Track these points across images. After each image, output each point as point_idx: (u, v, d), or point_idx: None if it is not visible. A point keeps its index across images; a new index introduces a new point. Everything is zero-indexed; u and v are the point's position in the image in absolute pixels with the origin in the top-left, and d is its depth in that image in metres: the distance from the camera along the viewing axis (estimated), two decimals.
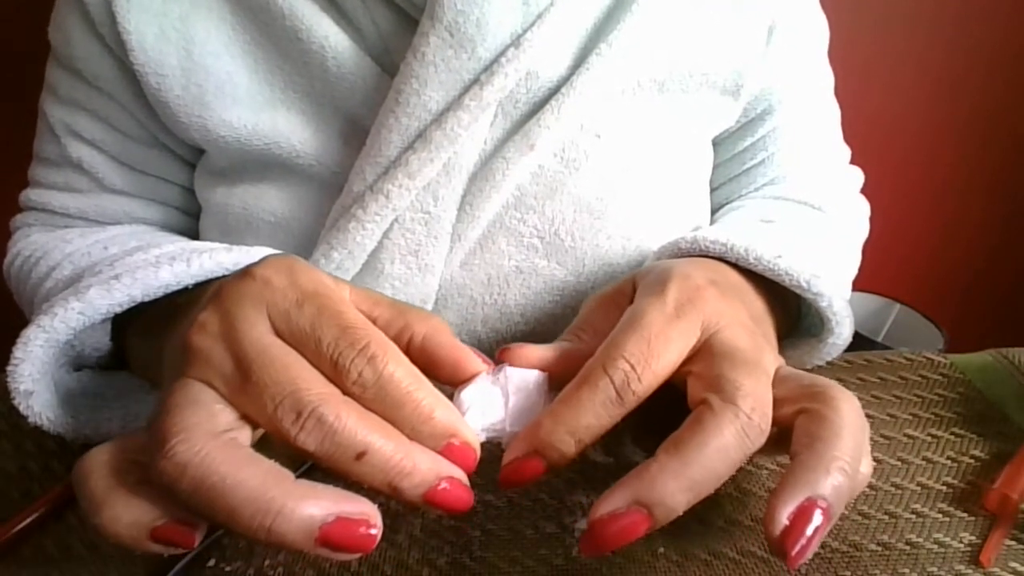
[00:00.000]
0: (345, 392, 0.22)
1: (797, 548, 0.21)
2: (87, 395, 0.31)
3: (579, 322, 0.30)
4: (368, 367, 0.22)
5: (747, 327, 0.27)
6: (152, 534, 0.21)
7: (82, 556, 0.28)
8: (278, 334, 0.23)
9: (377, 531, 0.21)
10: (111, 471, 0.22)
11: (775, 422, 0.24)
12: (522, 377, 0.27)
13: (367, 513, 0.20)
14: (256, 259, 0.30)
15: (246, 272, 0.24)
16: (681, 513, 0.22)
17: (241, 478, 0.19)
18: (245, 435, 0.22)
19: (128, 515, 0.21)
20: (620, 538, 0.22)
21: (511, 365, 0.27)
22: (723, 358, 0.25)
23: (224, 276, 0.30)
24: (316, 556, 0.24)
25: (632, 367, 0.24)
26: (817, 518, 0.21)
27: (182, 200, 0.47)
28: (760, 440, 0.23)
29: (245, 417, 0.22)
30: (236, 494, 0.19)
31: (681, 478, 0.22)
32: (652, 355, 0.25)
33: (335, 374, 0.22)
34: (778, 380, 0.25)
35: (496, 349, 0.38)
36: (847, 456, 0.22)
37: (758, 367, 0.25)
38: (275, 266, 0.24)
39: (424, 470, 0.21)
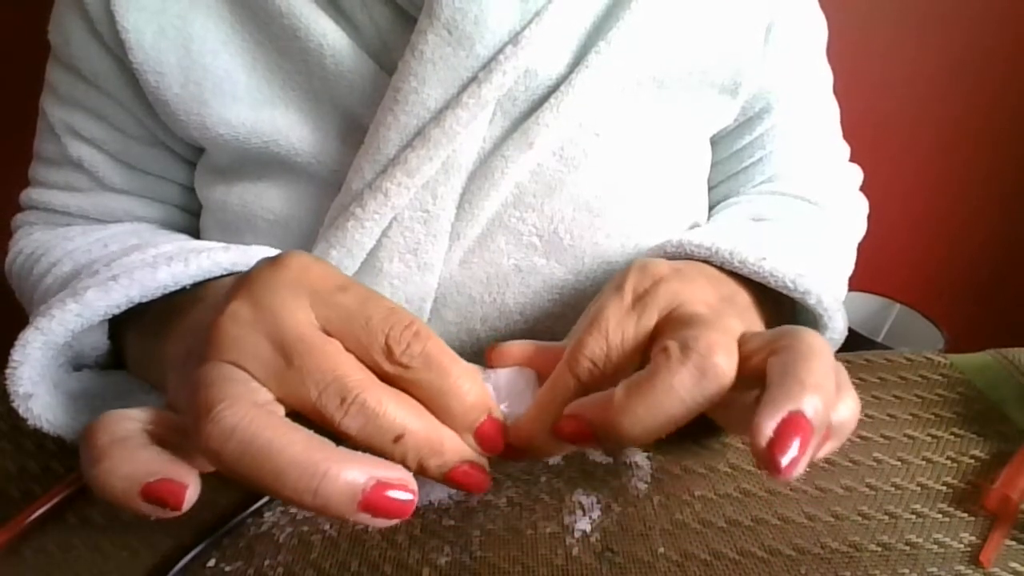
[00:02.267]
0: (390, 369, 0.23)
1: (787, 458, 0.21)
2: (86, 395, 0.31)
3: (573, 327, 0.32)
4: (415, 339, 0.23)
5: (709, 303, 0.28)
6: (143, 490, 0.21)
7: (83, 556, 0.28)
8: (320, 320, 0.23)
9: (414, 497, 0.21)
10: (121, 429, 0.22)
11: (749, 376, 0.24)
12: (511, 376, 0.28)
13: (404, 479, 0.21)
14: (255, 258, 0.30)
15: (278, 262, 0.25)
16: (633, 445, 0.24)
17: (288, 441, 0.20)
18: (280, 410, 0.23)
19: (124, 468, 0.21)
20: (572, 439, 0.25)
21: (502, 361, 0.29)
22: (683, 323, 0.26)
23: (222, 275, 0.30)
24: (352, 525, 0.26)
25: (593, 363, 0.26)
26: (802, 429, 0.21)
27: (182, 198, 0.47)
28: (719, 382, 0.23)
29: (282, 401, 0.23)
30: (283, 456, 0.20)
31: (629, 414, 0.23)
32: (611, 348, 0.27)
33: (385, 350, 0.23)
34: (746, 339, 0.26)
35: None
36: (820, 376, 0.22)
37: (715, 322, 0.25)
38: (308, 256, 0.25)
39: (450, 451, 0.23)
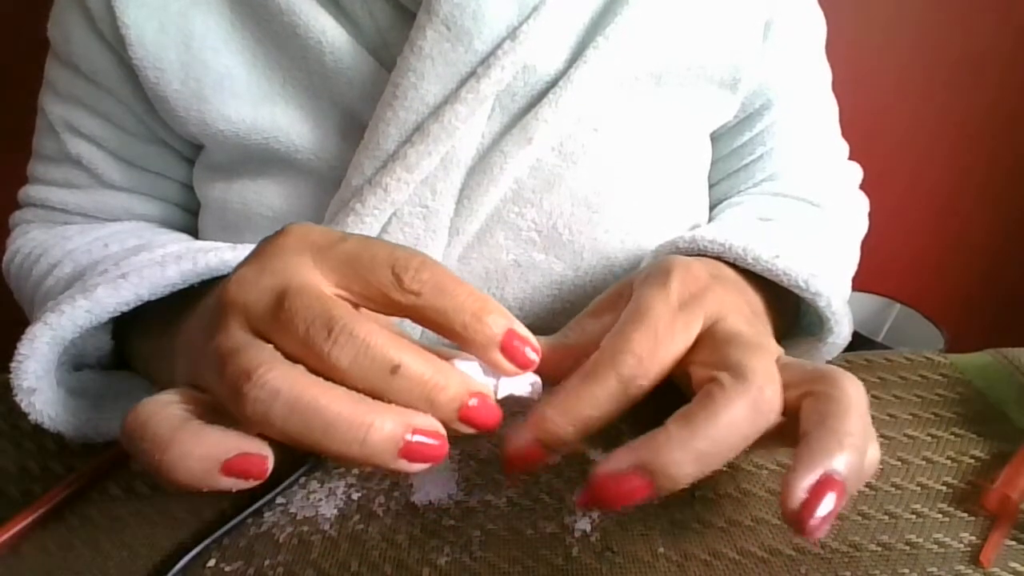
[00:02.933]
0: (399, 298, 0.22)
1: (817, 520, 0.21)
2: (87, 394, 0.31)
3: (571, 321, 0.31)
4: (422, 266, 0.23)
5: (747, 316, 0.28)
6: (225, 466, 0.21)
7: (83, 555, 0.28)
8: (323, 271, 0.23)
9: (446, 443, 0.22)
10: (171, 415, 0.22)
11: (783, 408, 0.24)
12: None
13: (435, 425, 0.22)
14: None
15: (280, 232, 0.25)
16: (685, 484, 0.22)
17: (332, 396, 0.20)
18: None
19: (200, 449, 0.21)
20: (618, 499, 0.22)
21: None
22: (727, 343, 0.25)
23: (228, 274, 0.30)
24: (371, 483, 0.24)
25: (639, 360, 0.25)
26: (834, 492, 0.21)
27: (181, 196, 0.47)
28: (772, 416, 0.23)
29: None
30: (330, 411, 0.20)
31: (688, 449, 0.22)
32: (658, 348, 0.25)
33: (393, 279, 0.22)
34: (781, 367, 0.25)
35: None
36: (858, 433, 0.22)
37: (762, 347, 0.25)
38: (308, 224, 0.25)
39: (456, 384, 0.22)
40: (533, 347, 0.24)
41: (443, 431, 0.22)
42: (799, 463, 0.22)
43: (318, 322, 0.21)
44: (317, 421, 0.20)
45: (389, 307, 0.23)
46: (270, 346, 0.22)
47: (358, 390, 0.21)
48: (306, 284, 0.22)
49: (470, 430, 0.23)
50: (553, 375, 0.28)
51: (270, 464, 0.22)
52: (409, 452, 0.21)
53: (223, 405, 0.22)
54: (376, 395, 0.21)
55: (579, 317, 0.31)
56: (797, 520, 0.21)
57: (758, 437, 0.23)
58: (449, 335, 0.23)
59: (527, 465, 0.25)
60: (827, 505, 0.21)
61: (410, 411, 0.21)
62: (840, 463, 0.21)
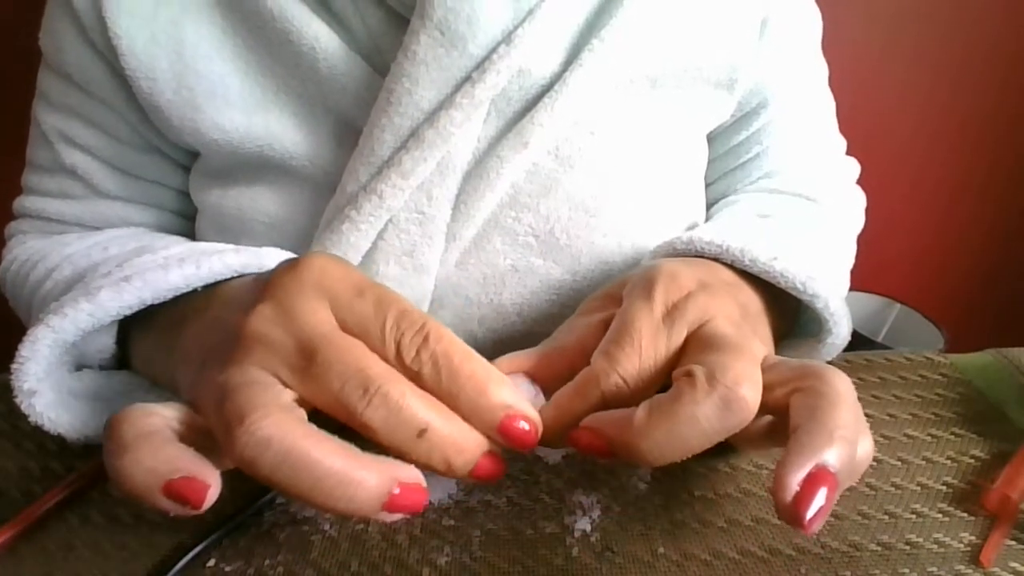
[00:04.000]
0: (403, 371, 0.23)
1: (812, 512, 0.21)
2: (88, 395, 0.31)
3: (564, 323, 0.32)
4: (423, 345, 0.23)
5: (733, 320, 0.28)
6: (166, 487, 0.21)
7: (83, 555, 0.28)
8: (339, 323, 0.24)
9: (427, 494, 0.22)
10: (144, 423, 0.22)
11: (769, 408, 0.24)
12: (516, 383, 0.27)
13: (418, 478, 0.22)
14: (265, 260, 0.31)
15: (298, 264, 0.25)
16: (646, 467, 0.24)
17: (324, 451, 0.21)
18: (304, 414, 0.23)
19: (148, 462, 0.21)
20: (585, 450, 0.25)
21: None
22: (708, 345, 0.26)
23: (232, 278, 0.30)
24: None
25: (624, 380, 0.26)
26: (827, 485, 0.21)
27: (177, 203, 0.47)
28: (743, 415, 0.23)
29: (302, 401, 0.23)
30: (319, 467, 0.20)
31: (647, 438, 0.23)
32: (642, 364, 0.26)
33: (396, 355, 0.23)
34: (767, 367, 0.26)
35: (494, 348, 0.38)
36: (847, 425, 0.22)
37: (742, 348, 0.25)
38: (327, 257, 0.25)
39: (473, 448, 0.23)
40: (533, 425, 0.24)
41: (424, 483, 0.22)
42: (790, 456, 0.22)
43: (354, 381, 0.22)
44: (306, 475, 0.20)
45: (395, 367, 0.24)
46: (275, 389, 0.22)
47: (383, 446, 0.22)
48: (332, 334, 0.23)
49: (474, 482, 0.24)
50: (549, 381, 0.29)
51: (209, 495, 0.22)
52: (392, 505, 0.21)
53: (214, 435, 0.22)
54: (400, 455, 0.22)
55: (571, 318, 0.32)
56: (791, 514, 0.21)
57: (746, 435, 0.24)
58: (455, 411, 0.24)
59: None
60: (820, 498, 0.21)
61: (397, 465, 0.22)
62: (832, 456, 0.22)
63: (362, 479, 0.21)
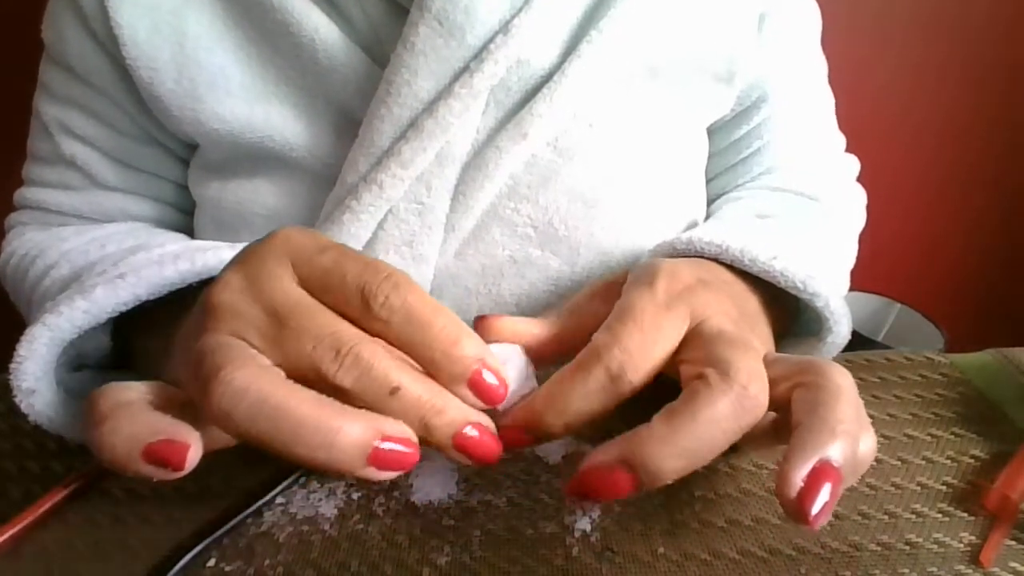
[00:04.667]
0: (371, 325, 0.23)
1: (817, 508, 0.21)
2: (87, 395, 0.31)
3: (564, 305, 0.31)
4: (394, 291, 0.23)
5: (732, 317, 0.28)
6: (146, 450, 0.21)
7: (83, 556, 0.28)
8: (301, 281, 0.24)
9: (416, 452, 0.22)
10: (123, 395, 0.23)
11: (772, 404, 0.24)
12: (505, 349, 0.27)
13: (406, 432, 0.22)
14: None
15: (266, 236, 0.25)
16: (668, 480, 0.22)
17: (300, 399, 0.21)
18: (282, 373, 0.23)
19: (128, 428, 0.21)
20: (602, 492, 0.23)
21: (489, 335, 0.28)
22: (713, 340, 0.25)
23: (215, 277, 0.30)
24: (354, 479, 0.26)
25: (628, 355, 0.25)
26: (830, 480, 0.21)
27: (176, 196, 0.47)
28: (757, 412, 0.23)
29: (278, 366, 0.23)
30: (297, 414, 0.20)
31: (670, 444, 0.22)
32: (646, 343, 0.25)
33: (361, 305, 0.23)
34: (768, 363, 0.26)
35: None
36: (849, 420, 0.22)
37: (748, 344, 0.25)
38: (295, 228, 0.25)
39: (454, 409, 0.23)
40: (503, 382, 0.24)
41: (415, 438, 0.22)
42: (793, 452, 0.22)
43: (327, 342, 0.22)
44: (284, 423, 0.20)
45: (362, 327, 0.23)
46: (246, 346, 0.22)
47: (362, 406, 0.22)
48: (302, 299, 0.23)
49: (466, 460, 0.23)
50: (546, 360, 0.29)
51: (190, 456, 0.22)
52: (378, 459, 0.21)
53: (195, 403, 0.22)
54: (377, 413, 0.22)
55: (573, 300, 0.31)
56: (796, 510, 0.21)
57: (749, 434, 0.24)
58: (420, 364, 0.23)
59: (512, 447, 0.25)
60: (825, 493, 0.21)
61: (381, 417, 0.21)
62: (835, 451, 0.22)
63: (342, 427, 0.20)
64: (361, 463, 0.21)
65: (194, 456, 0.22)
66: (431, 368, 0.23)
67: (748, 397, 0.23)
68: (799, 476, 0.21)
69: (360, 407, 0.22)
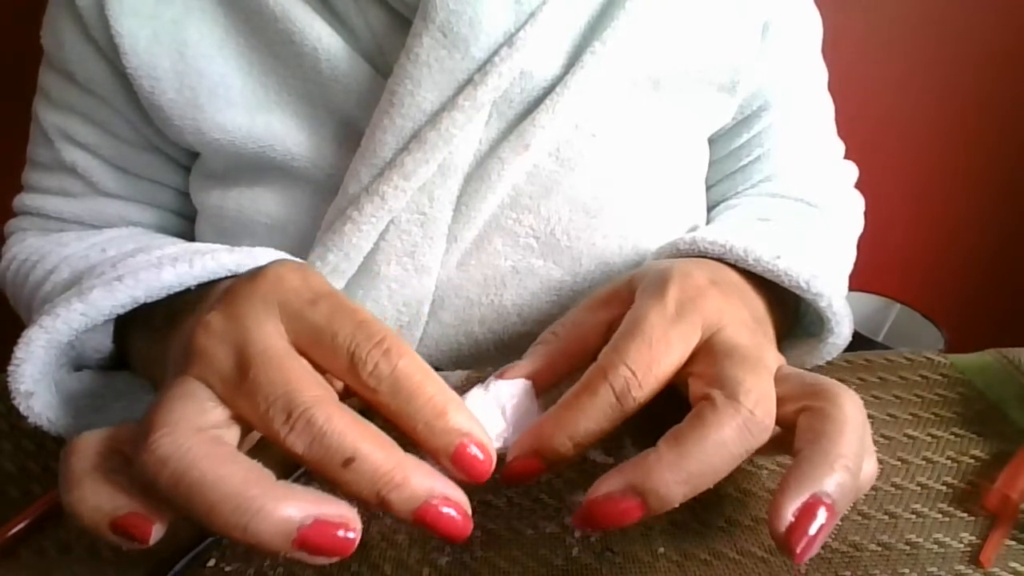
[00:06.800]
0: (358, 388, 0.22)
1: (802, 544, 0.21)
2: (87, 396, 0.31)
3: (561, 319, 0.31)
4: (384, 359, 0.22)
5: (748, 325, 0.28)
6: (111, 524, 0.21)
7: (81, 557, 0.28)
8: (289, 334, 0.23)
9: (355, 535, 0.20)
10: (94, 454, 0.22)
11: (777, 421, 0.24)
12: (512, 387, 0.27)
13: (345, 516, 0.20)
14: (259, 260, 0.30)
15: (258, 272, 0.24)
16: (676, 505, 0.22)
17: (221, 475, 0.19)
18: (232, 434, 0.22)
19: (93, 499, 0.21)
20: (611, 520, 0.22)
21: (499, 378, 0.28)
22: (725, 356, 0.25)
23: (226, 277, 0.30)
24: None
25: (633, 373, 0.25)
26: (822, 515, 0.21)
27: (177, 203, 0.47)
28: (763, 436, 0.23)
29: (238, 418, 0.22)
30: (215, 491, 0.19)
31: (677, 470, 0.22)
32: (653, 360, 0.25)
33: (350, 368, 0.22)
34: (780, 379, 0.25)
35: (495, 349, 0.38)
36: (851, 453, 0.22)
37: (760, 363, 0.25)
38: (287, 267, 0.24)
39: (415, 484, 0.21)
40: (488, 456, 0.22)
41: (356, 524, 0.20)
42: (788, 484, 0.22)
43: (279, 403, 0.21)
44: (199, 499, 0.19)
45: (355, 393, 0.22)
46: (203, 405, 0.21)
47: (316, 475, 0.21)
48: (270, 350, 0.22)
49: (432, 534, 0.21)
50: (552, 384, 0.28)
51: (156, 530, 0.21)
52: (306, 543, 0.19)
53: None
54: (331, 485, 0.21)
55: (572, 311, 0.31)
56: (784, 543, 0.21)
57: (752, 452, 0.24)
58: (406, 435, 0.22)
59: (524, 479, 0.25)
60: (814, 528, 0.21)
61: (321, 498, 0.20)
62: (830, 485, 0.22)
63: (263, 508, 0.19)
64: (286, 546, 0.19)
65: (159, 530, 0.21)
66: (415, 440, 0.22)
67: (755, 422, 0.23)
68: (790, 510, 0.21)
69: (316, 475, 0.21)
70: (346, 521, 0.20)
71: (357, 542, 0.20)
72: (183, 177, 0.46)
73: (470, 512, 0.22)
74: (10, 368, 0.28)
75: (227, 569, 0.27)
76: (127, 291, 0.29)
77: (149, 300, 0.29)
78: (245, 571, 0.27)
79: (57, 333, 0.28)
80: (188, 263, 0.29)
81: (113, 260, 0.34)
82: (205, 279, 0.30)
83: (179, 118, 0.39)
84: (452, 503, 0.21)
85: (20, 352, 0.27)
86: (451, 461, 0.22)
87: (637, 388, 0.25)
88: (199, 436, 0.20)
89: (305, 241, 0.40)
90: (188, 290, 0.30)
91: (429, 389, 0.22)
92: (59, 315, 0.28)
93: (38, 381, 0.28)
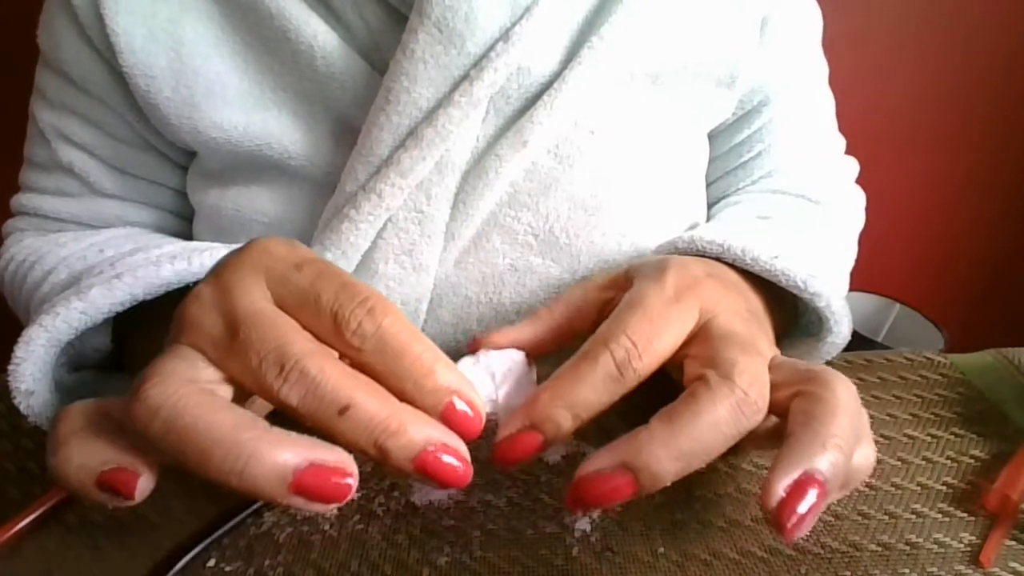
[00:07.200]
0: (343, 350, 0.22)
1: (793, 520, 0.21)
2: (87, 395, 0.31)
3: (555, 299, 0.31)
4: (368, 318, 0.22)
5: (743, 315, 0.28)
6: (98, 479, 0.21)
7: (82, 556, 0.28)
8: (275, 298, 0.23)
9: (353, 480, 0.20)
10: (80, 419, 0.22)
11: (771, 409, 0.24)
12: (503, 356, 0.27)
13: (343, 461, 0.20)
14: None
15: (245, 245, 0.24)
16: (668, 483, 0.22)
17: (213, 420, 0.19)
18: (225, 391, 0.22)
19: (79, 457, 0.21)
20: (602, 498, 0.22)
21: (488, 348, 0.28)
22: (720, 340, 0.25)
23: (193, 286, 0.30)
24: (298, 516, 0.24)
25: (634, 344, 0.25)
26: (813, 492, 0.21)
27: (174, 203, 0.47)
28: (756, 418, 0.23)
29: (230, 380, 0.22)
30: (207, 436, 0.19)
31: (670, 447, 0.22)
32: (654, 333, 0.25)
33: (334, 329, 0.22)
34: (773, 366, 0.26)
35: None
36: (843, 434, 0.22)
37: (754, 348, 0.25)
38: (276, 239, 0.25)
39: (412, 431, 0.21)
40: (477, 412, 0.22)
41: (352, 467, 0.20)
42: (779, 462, 0.22)
43: (271, 357, 0.21)
44: (192, 445, 0.19)
45: (336, 350, 0.22)
46: (195, 364, 0.21)
47: (312, 427, 0.21)
48: (260, 311, 0.22)
49: (432, 483, 0.21)
50: (539, 350, 0.29)
51: (142, 484, 0.21)
52: (302, 488, 0.19)
53: None
54: (327, 436, 0.21)
55: (568, 290, 0.31)
56: (775, 519, 0.21)
57: (751, 434, 0.24)
58: (394, 395, 0.22)
59: (521, 455, 0.24)
60: (804, 506, 0.21)
61: (317, 443, 0.20)
62: (822, 463, 0.22)
63: (256, 451, 0.19)
64: (282, 491, 0.19)
65: (144, 484, 0.21)
66: (403, 399, 0.22)
67: (748, 403, 0.23)
68: (781, 486, 0.21)
69: (311, 427, 0.21)
70: (343, 466, 0.20)
71: (354, 489, 0.20)
72: (180, 177, 0.46)
73: (469, 459, 0.22)
74: (10, 367, 0.28)
75: (227, 569, 0.27)
76: (126, 289, 0.29)
77: (148, 298, 0.29)
78: (245, 571, 0.27)
79: (57, 332, 0.28)
80: (187, 261, 0.30)
81: (111, 260, 0.34)
82: (203, 276, 0.30)
83: (175, 117, 0.39)
84: (451, 450, 0.21)
85: (20, 351, 0.28)
86: (440, 419, 0.22)
87: (637, 359, 0.24)
88: (190, 386, 0.20)
89: (303, 240, 0.40)
90: (187, 287, 0.30)
91: (416, 347, 0.22)
92: (59, 314, 0.28)
93: (38, 380, 0.28)
